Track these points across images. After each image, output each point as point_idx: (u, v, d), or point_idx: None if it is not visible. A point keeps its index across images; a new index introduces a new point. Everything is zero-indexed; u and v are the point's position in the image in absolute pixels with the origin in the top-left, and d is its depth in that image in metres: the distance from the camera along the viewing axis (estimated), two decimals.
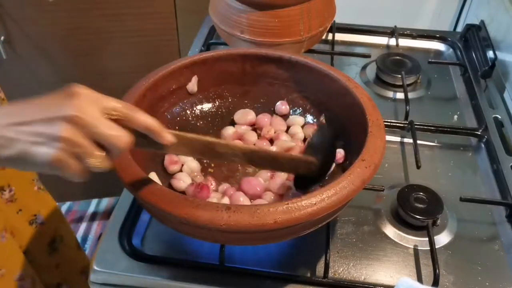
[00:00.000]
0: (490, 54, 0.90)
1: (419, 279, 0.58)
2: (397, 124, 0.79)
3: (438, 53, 1.01)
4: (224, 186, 0.62)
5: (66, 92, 0.39)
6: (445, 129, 0.78)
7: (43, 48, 1.32)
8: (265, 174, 0.63)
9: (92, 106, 0.39)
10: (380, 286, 0.57)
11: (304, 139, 0.68)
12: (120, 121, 0.41)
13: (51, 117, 0.38)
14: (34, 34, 1.30)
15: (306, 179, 0.57)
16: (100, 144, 0.40)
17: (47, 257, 0.91)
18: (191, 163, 0.64)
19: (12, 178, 0.81)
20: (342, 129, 0.65)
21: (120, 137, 0.40)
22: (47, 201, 0.93)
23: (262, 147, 0.62)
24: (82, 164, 0.39)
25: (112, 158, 0.41)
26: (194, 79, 0.68)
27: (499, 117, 0.81)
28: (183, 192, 0.60)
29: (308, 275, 0.58)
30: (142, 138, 0.43)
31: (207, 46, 0.97)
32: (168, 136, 0.44)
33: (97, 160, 0.39)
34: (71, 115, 0.38)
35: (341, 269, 0.59)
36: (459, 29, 1.20)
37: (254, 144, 0.67)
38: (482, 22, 1.00)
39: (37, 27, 1.29)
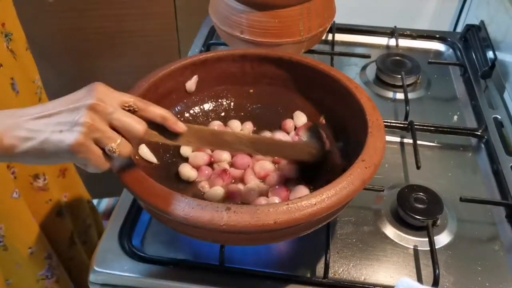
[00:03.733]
0: (490, 54, 0.90)
1: (419, 280, 0.58)
2: (397, 125, 0.79)
3: (438, 53, 1.01)
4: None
5: (88, 87, 0.44)
6: (445, 129, 0.78)
7: (42, 48, 1.32)
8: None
9: (110, 98, 0.43)
10: (380, 287, 0.57)
11: None
12: (135, 113, 0.45)
13: (74, 107, 0.42)
14: (34, 34, 1.30)
15: (311, 171, 0.61)
16: (118, 132, 0.44)
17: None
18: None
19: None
20: (342, 130, 0.65)
21: (136, 123, 0.44)
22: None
23: (266, 136, 0.65)
24: (101, 150, 0.43)
25: (130, 144, 0.44)
26: (194, 78, 0.68)
27: (499, 117, 0.81)
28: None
29: (308, 275, 0.58)
30: (156, 128, 0.47)
31: (207, 47, 0.97)
32: (181, 124, 0.48)
33: (116, 144, 0.43)
34: (92, 103, 0.42)
35: (341, 269, 0.59)
36: (459, 29, 1.20)
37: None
38: (482, 22, 1.00)
39: (37, 27, 1.29)
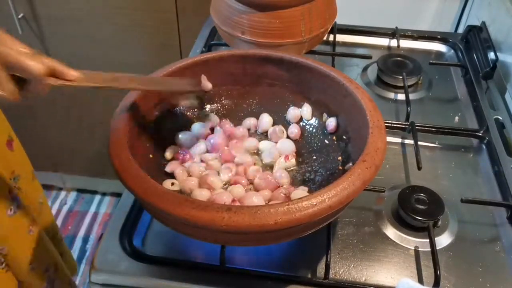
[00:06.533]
0: (491, 55, 0.90)
1: (420, 280, 0.58)
2: (398, 125, 0.79)
3: (439, 54, 1.01)
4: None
5: None
6: (446, 130, 0.78)
7: (54, 28, 1.36)
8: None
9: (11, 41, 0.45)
10: (381, 287, 0.57)
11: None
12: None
13: None
14: (46, 15, 1.35)
15: None
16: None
17: None
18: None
19: None
20: (343, 130, 0.65)
21: (36, 66, 0.45)
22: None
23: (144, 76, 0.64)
24: None
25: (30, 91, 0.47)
26: (203, 78, 0.68)
27: (500, 118, 0.81)
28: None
29: (309, 276, 0.58)
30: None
31: (208, 47, 0.97)
32: (73, 72, 0.50)
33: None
34: None
35: (342, 270, 0.59)
36: (460, 30, 1.20)
37: None
38: (483, 23, 1.00)
39: (49, 8, 1.32)
